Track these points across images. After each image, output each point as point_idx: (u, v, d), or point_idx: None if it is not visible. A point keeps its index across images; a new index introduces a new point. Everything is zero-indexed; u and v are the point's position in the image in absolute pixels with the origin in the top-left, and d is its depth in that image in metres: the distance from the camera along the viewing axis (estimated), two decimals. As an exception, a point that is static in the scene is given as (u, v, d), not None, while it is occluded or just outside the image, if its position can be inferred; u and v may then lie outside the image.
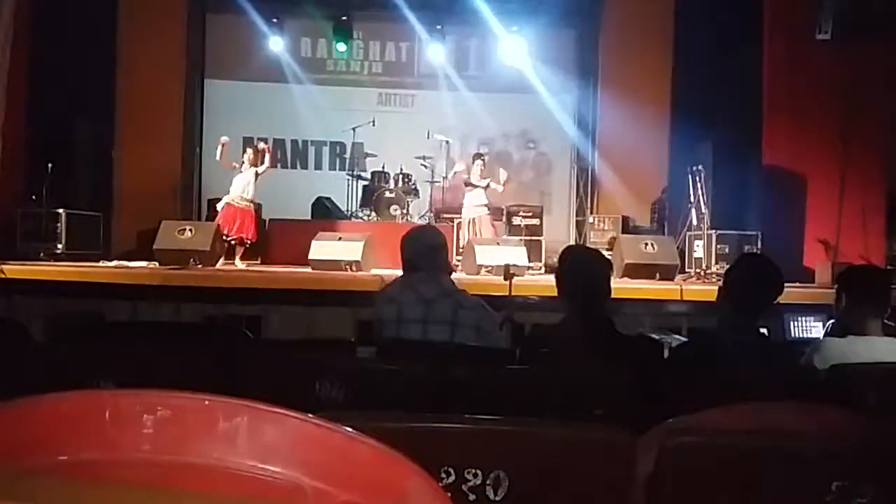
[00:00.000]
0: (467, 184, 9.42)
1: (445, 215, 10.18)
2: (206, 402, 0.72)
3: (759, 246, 8.33)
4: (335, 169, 11.45)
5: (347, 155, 11.19)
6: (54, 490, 0.62)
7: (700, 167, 8.54)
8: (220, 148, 9.02)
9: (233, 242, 8.81)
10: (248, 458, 0.70)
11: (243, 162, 9.02)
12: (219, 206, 9.03)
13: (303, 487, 0.69)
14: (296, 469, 0.70)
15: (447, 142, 10.54)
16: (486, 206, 9.36)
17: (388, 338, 3.29)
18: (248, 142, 11.44)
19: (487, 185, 9.34)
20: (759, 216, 8.87)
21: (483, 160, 9.50)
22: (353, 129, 10.56)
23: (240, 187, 8.94)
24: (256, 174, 8.99)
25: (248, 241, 8.96)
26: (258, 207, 9.51)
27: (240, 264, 8.72)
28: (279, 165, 11.54)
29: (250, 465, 0.69)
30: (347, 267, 7.86)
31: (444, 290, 3.41)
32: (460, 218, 9.66)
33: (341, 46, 11.23)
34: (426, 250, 3.49)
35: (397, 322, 3.33)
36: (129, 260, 8.73)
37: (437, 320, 3.31)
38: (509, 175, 9.66)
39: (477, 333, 3.33)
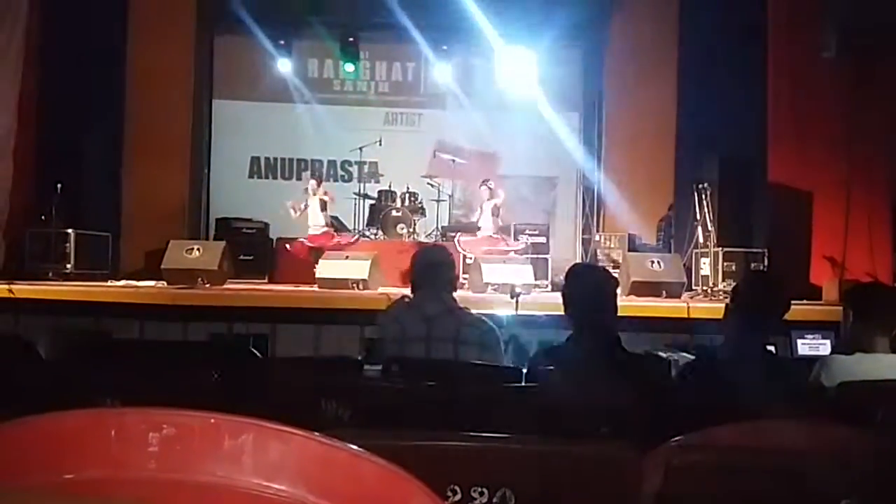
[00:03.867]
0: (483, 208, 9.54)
1: (452, 234, 10.19)
2: (212, 421, 0.72)
3: (766, 263, 8.30)
4: (342, 188, 11.48)
5: (354, 174, 11.24)
6: (61, 508, 0.63)
7: (706, 185, 8.53)
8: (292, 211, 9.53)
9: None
10: (253, 476, 0.70)
11: (308, 195, 9.45)
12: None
13: (307, 505, 0.69)
14: (301, 487, 0.70)
15: (453, 160, 10.57)
16: (495, 228, 9.43)
17: (393, 356, 3.30)
18: (254, 161, 11.58)
19: (494, 206, 9.41)
20: (766, 233, 8.85)
21: (488, 185, 9.55)
22: (360, 148, 10.61)
23: (315, 216, 9.42)
24: (322, 200, 9.49)
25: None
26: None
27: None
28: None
29: (255, 483, 0.70)
30: (354, 285, 7.87)
31: (447, 307, 3.43)
32: (466, 237, 9.70)
33: (348, 67, 11.30)
34: (431, 268, 3.51)
35: (401, 341, 3.34)
36: (138, 279, 8.76)
37: (440, 338, 3.32)
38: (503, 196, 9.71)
39: (480, 350, 3.34)
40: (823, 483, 1.51)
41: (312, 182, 9.64)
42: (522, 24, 10.71)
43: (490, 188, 9.50)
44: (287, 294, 7.94)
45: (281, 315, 6.87)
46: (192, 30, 10.98)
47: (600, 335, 3.16)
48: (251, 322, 6.81)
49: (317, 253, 8.92)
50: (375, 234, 10.17)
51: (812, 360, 3.37)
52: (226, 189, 11.40)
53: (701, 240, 8.59)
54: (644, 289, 7.95)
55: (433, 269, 3.51)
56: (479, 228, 9.59)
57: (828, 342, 5.68)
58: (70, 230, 8.71)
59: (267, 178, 11.70)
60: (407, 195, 10.36)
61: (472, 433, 1.55)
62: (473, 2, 10.12)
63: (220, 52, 11.47)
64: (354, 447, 0.74)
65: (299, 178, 11.68)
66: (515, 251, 9.29)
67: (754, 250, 8.49)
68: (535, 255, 9.26)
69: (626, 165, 10.68)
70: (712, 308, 6.75)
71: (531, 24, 10.70)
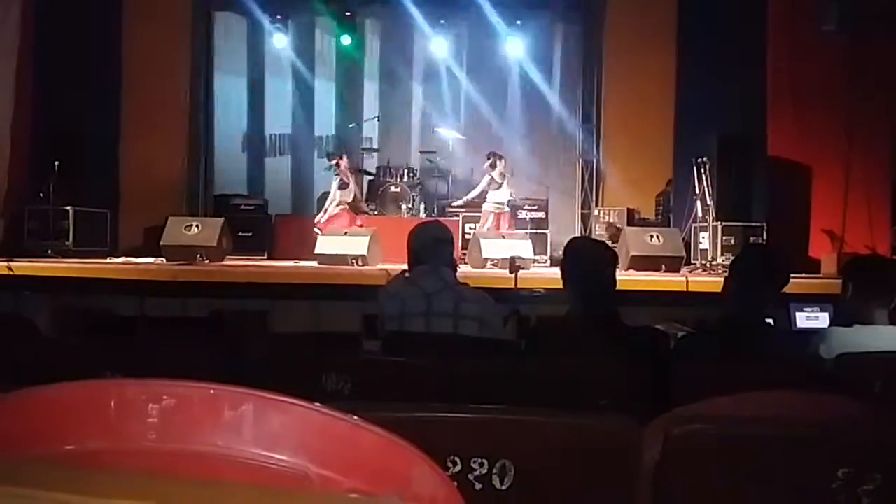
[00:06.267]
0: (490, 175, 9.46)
1: (451, 209, 10.19)
2: (212, 391, 0.72)
3: (765, 237, 8.30)
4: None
5: (353, 150, 11.21)
6: (60, 479, 0.63)
7: (705, 159, 8.50)
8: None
9: None
10: (253, 446, 0.70)
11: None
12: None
13: (308, 475, 0.69)
14: (301, 457, 0.70)
15: (452, 136, 10.54)
16: (506, 203, 9.38)
17: (392, 332, 3.31)
18: (250, 139, 11.53)
19: (502, 183, 9.37)
20: (765, 207, 8.83)
21: (498, 157, 9.47)
22: (358, 124, 10.57)
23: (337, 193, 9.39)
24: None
25: None
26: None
27: None
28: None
29: (256, 453, 0.70)
30: (353, 261, 7.87)
31: (446, 283, 3.44)
32: (465, 212, 9.68)
33: (346, 40, 11.23)
34: (431, 244, 3.52)
35: (400, 316, 3.35)
36: (137, 256, 8.76)
37: (440, 313, 3.33)
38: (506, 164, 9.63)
39: (480, 326, 3.35)
40: (822, 454, 1.52)
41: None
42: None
43: (499, 158, 9.44)
44: (286, 270, 7.94)
45: (280, 291, 6.88)
46: (190, 5, 10.90)
47: (599, 309, 3.16)
48: (251, 298, 6.82)
49: None
50: (374, 210, 10.17)
51: (811, 333, 3.38)
52: (224, 165, 11.37)
53: (700, 214, 8.59)
54: (643, 263, 7.96)
55: (433, 246, 3.52)
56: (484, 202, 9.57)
57: (826, 315, 5.69)
58: (69, 207, 8.69)
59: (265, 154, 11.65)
60: (405, 171, 10.35)
61: (472, 405, 1.56)
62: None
63: (219, 28, 11.38)
64: (355, 417, 0.74)
65: (296, 154, 11.65)
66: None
67: (753, 224, 8.49)
68: (534, 230, 9.26)
69: (625, 140, 10.64)
70: (711, 282, 6.76)
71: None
